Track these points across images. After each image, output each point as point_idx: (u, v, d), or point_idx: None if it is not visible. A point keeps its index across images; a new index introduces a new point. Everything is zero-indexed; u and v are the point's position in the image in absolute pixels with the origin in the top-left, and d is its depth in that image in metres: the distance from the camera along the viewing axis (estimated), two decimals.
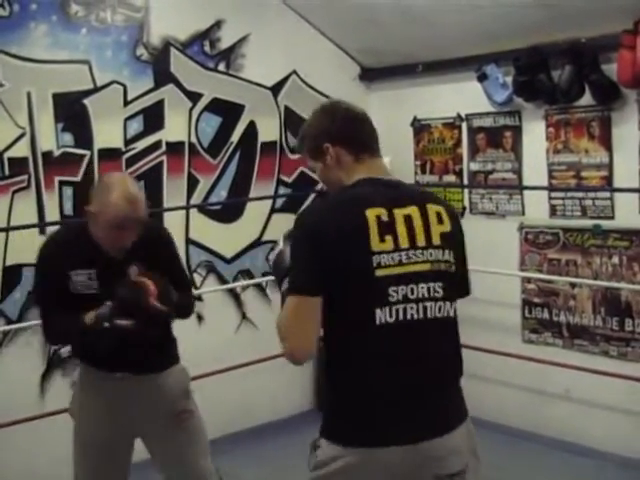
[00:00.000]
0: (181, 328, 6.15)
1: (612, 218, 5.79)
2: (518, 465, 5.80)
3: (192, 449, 4.01)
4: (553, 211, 6.09)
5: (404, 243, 2.74)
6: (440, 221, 2.85)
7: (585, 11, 5.29)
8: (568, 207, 6.02)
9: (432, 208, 2.86)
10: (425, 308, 2.76)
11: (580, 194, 5.93)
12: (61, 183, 5.57)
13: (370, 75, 7.15)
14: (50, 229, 5.52)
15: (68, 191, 5.61)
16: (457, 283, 2.91)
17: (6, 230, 5.34)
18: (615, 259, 5.79)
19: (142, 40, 5.90)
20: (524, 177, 6.26)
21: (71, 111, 5.61)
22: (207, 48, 6.24)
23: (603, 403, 5.91)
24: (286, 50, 6.65)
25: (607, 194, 5.79)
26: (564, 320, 6.12)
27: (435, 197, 3.05)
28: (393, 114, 7.03)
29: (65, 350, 5.45)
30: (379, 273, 2.70)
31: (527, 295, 6.34)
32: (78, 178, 5.65)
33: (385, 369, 2.74)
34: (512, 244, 6.34)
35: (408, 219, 2.78)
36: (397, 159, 6.61)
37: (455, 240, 2.92)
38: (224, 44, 6.32)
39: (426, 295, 2.76)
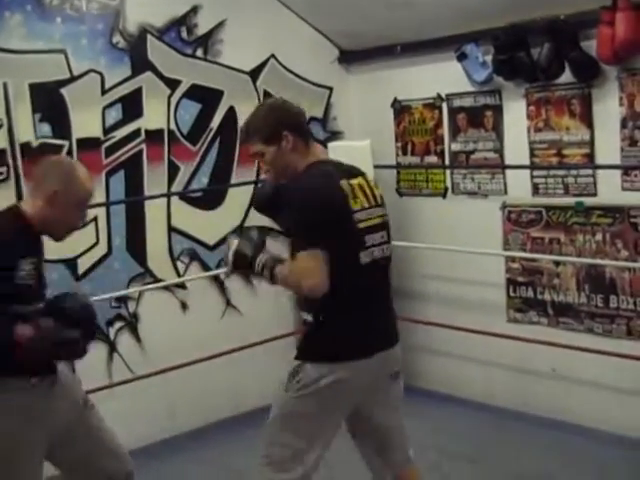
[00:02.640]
0: (165, 316, 6.18)
1: (595, 195, 5.79)
2: (505, 444, 5.82)
3: (104, 428, 3.91)
4: (535, 190, 6.09)
5: (365, 204, 3.63)
6: (376, 187, 3.80)
7: None
8: (550, 185, 6.01)
9: (368, 177, 3.80)
10: (382, 249, 3.69)
11: (562, 172, 5.93)
12: None
13: (349, 58, 7.11)
14: None
15: None
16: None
17: None
18: (598, 236, 5.79)
19: (118, 27, 5.85)
20: (506, 156, 6.24)
21: (48, 101, 5.57)
22: (184, 34, 6.20)
23: (589, 380, 5.92)
24: (264, 34, 6.61)
25: (589, 171, 5.78)
26: (549, 298, 6.12)
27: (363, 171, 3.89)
28: (373, 96, 7.02)
29: None
30: (360, 226, 3.58)
31: (511, 274, 6.33)
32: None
33: (366, 296, 3.61)
34: (495, 223, 6.33)
35: (360, 187, 3.65)
36: (377, 141, 6.62)
37: (383, 200, 3.83)
38: (201, 30, 6.28)
39: (381, 240, 3.69)
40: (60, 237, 3.70)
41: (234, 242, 3.72)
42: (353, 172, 3.73)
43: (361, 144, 6.51)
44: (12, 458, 3.51)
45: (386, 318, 3.76)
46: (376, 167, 6.41)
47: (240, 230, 3.99)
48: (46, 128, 5.57)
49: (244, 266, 3.67)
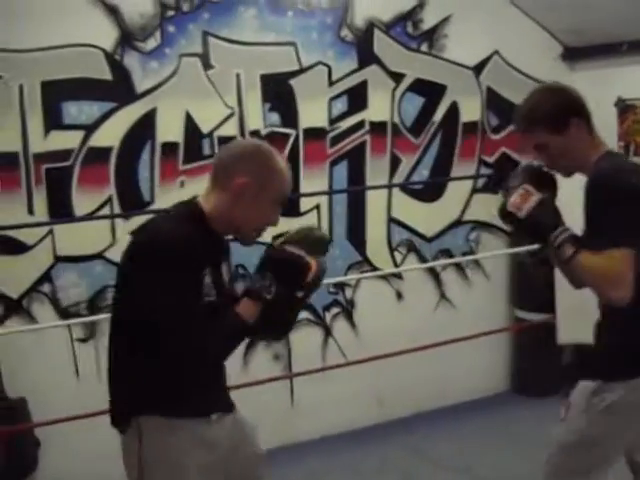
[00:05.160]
0: (380, 304, 6.29)
1: None
2: None
3: None
4: None
5: None
6: None
7: None
8: None
9: None
10: None
11: None
12: None
13: (573, 54, 7.03)
14: None
15: None
16: None
17: None
18: None
19: (346, 22, 6.00)
20: None
21: (278, 91, 5.80)
22: (410, 29, 6.28)
23: None
24: (488, 30, 6.61)
25: None
26: None
27: None
28: (596, 94, 6.83)
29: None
30: None
31: None
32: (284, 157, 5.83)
33: None
34: None
35: None
36: None
37: None
38: (426, 25, 6.35)
39: None
40: (247, 239, 3.04)
41: (532, 198, 3.21)
42: None
43: None
44: None
45: None
46: None
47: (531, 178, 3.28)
48: (275, 117, 5.80)
49: (537, 232, 3.25)
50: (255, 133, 5.70)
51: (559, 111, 3.24)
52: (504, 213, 3.26)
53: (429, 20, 6.36)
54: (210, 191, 2.98)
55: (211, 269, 2.92)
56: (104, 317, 5.20)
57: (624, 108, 6.78)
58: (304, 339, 6.05)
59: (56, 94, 5.15)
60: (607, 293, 3.05)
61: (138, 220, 5.26)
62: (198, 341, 2.77)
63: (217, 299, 2.92)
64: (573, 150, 3.23)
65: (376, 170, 6.23)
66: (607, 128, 6.76)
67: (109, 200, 5.37)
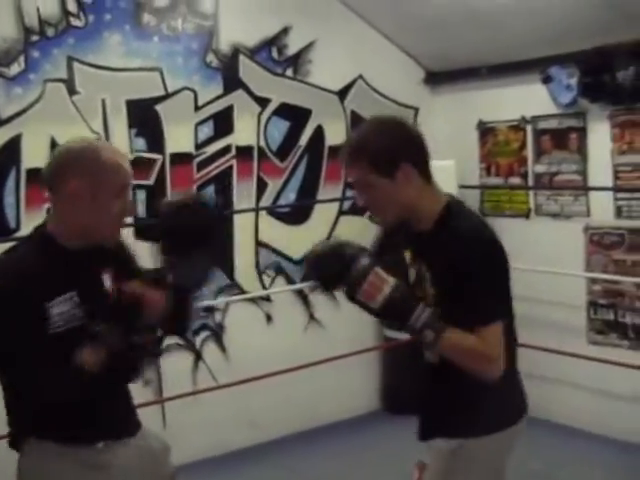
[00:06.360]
0: (250, 327, 6.30)
1: None
2: (582, 466, 5.78)
3: None
4: (618, 212, 6.10)
5: None
6: None
7: None
8: (634, 208, 6.02)
9: None
10: None
11: None
12: (134, 187, 5.72)
13: (435, 79, 7.20)
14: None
15: (141, 194, 5.77)
16: None
17: None
18: None
19: (212, 47, 6.04)
20: (589, 178, 6.27)
21: (144, 117, 5.79)
22: (275, 54, 6.36)
23: None
24: (352, 55, 6.74)
25: None
26: (630, 321, 6.12)
27: None
28: (458, 117, 7.09)
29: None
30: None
31: (593, 296, 6.34)
32: (151, 182, 5.82)
33: (515, 354, 3.05)
34: (577, 245, 6.34)
35: None
36: (462, 162, 6.69)
37: None
38: (291, 50, 6.44)
39: None
40: (108, 241, 2.91)
41: (386, 286, 2.77)
42: None
43: (445, 164, 6.55)
44: None
45: None
46: (460, 187, 6.49)
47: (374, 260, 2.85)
48: (141, 143, 5.78)
49: (394, 319, 2.87)
50: None
51: (388, 152, 2.85)
52: (353, 299, 2.82)
53: (294, 45, 6.45)
54: (51, 209, 2.88)
55: (81, 289, 2.77)
56: None
57: (484, 131, 6.96)
58: (174, 363, 6.00)
59: None
60: (479, 375, 2.82)
61: (3, 247, 5.21)
62: (39, 386, 2.69)
63: (88, 320, 2.76)
64: (400, 197, 2.88)
65: (243, 194, 6.27)
66: (469, 150, 7.00)
67: None
